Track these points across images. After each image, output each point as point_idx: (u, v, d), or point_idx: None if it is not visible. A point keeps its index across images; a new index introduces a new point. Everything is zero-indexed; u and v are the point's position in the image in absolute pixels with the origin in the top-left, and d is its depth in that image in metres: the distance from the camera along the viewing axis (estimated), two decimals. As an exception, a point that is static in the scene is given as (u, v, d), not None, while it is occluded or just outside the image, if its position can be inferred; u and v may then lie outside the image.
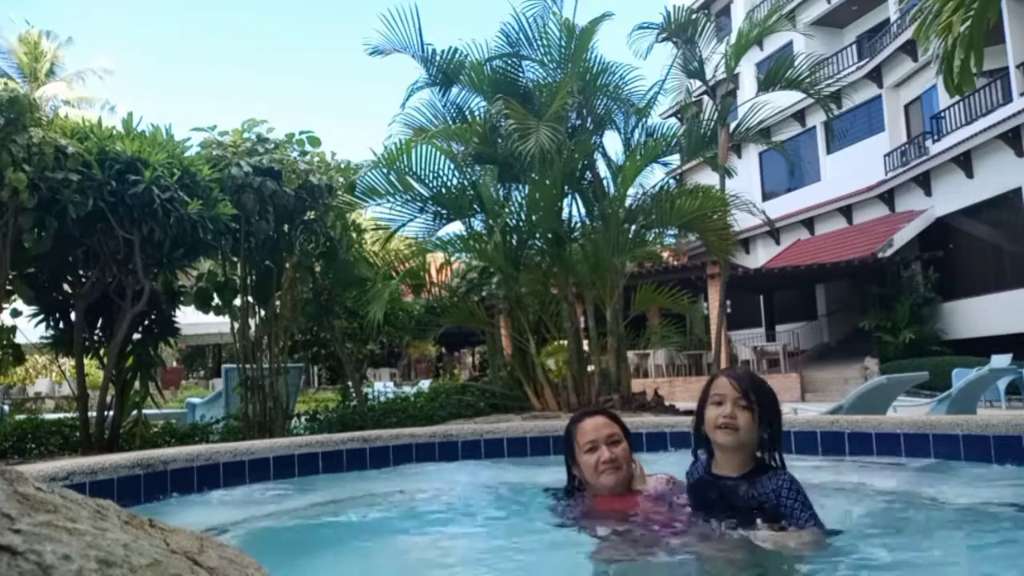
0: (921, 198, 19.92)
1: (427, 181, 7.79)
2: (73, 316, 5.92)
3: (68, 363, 7.31)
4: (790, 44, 22.43)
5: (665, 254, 22.07)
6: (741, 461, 2.10)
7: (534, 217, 7.71)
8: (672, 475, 2.50)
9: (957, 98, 14.67)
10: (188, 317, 7.11)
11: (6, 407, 9.90)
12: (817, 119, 22.63)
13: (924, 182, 19.69)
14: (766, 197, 24.36)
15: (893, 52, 20.63)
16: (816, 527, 1.97)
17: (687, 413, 4.01)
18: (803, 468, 3.58)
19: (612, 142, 61.85)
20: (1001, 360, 12.58)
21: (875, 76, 21.70)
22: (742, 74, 20.38)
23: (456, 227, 8.30)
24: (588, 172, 8.40)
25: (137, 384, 6.17)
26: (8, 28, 24.24)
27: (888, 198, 21.16)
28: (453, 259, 9.45)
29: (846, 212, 22.58)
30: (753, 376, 2.17)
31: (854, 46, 23.26)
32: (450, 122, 8.60)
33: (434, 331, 10.07)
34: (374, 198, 7.85)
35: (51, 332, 6.06)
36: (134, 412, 6.10)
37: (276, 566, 0.93)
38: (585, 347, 8.11)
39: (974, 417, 3.73)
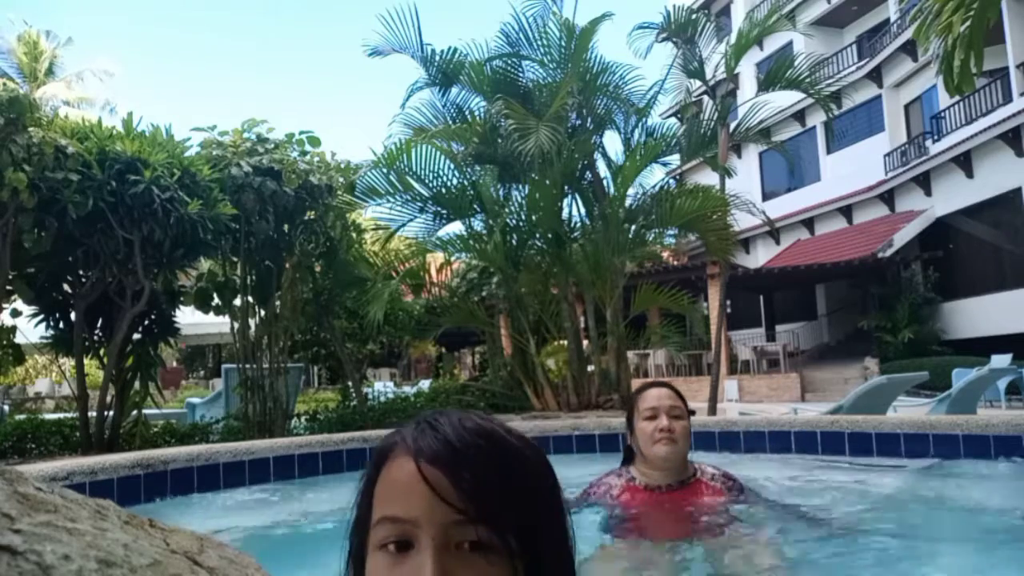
0: (921, 198, 19.91)
1: (427, 181, 7.79)
2: (73, 316, 5.91)
3: (68, 363, 7.30)
4: (790, 44, 22.41)
5: (665, 254, 22.04)
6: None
7: (534, 217, 7.71)
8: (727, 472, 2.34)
9: (957, 98, 14.67)
10: (188, 317, 7.11)
11: (6, 407, 9.89)
12: (817, 119, 22.62)
13: (924, 182, 19.68)
14: (766, 197, 24.35)
15: (893, 52, 20.62)
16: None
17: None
18: (803, 468, 3.59)
19: (612, 142, 61.86)
20: (1001, 360, 12.57)
21: (875, 76, 21.69)
22: (742, 74, 20.37)
23: (456, 227, 8.31)
24: (588, 172, 8.41)
25: (137, 384, 6.16)
26: (8, 28, 24.21)
27: (888, 198, 21.15)
28: (453, 259, 9.45)
29: (846, 212, 22.57)
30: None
31: (854, 46, 23.25)
32: (450, 122, 8.60)
33: (434, 331, 10.07)
34: (374, 198, 7.85)
35: (51, 332, 6.06)
36: (134, 412, 6.09)
37: (276, 566, 0.93)
38: (585, 347, 8.11)
39: (974, 417, 3.72)
